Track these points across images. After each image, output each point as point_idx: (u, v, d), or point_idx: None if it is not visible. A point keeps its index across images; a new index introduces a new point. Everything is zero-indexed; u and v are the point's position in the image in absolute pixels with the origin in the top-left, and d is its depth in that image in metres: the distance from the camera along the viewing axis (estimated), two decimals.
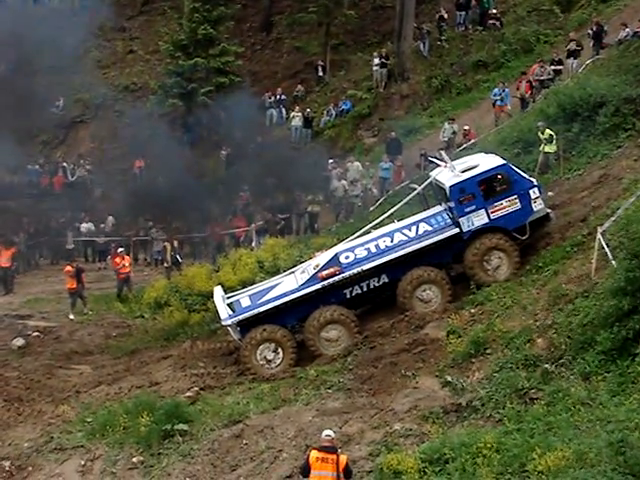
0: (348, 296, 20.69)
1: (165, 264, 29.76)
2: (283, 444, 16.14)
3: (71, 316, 26.17)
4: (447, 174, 20.85)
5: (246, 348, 20.10)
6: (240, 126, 38.61)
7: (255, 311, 20.38)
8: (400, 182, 29.62)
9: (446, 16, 38.44)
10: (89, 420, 18.34)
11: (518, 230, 20.40)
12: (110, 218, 33.29)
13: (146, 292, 26.97)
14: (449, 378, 16.82)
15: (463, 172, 20.58)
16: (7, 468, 16.99)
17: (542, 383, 15.43)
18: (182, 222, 32.26)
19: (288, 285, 20.93)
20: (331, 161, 32.58)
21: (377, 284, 20.69)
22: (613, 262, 16.58)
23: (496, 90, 31.02)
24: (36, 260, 32.89)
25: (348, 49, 42.37)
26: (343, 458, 13.52)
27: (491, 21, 36.97)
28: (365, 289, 20.72)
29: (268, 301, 20.54)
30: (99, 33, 46.19)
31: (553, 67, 30.31)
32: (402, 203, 22.15)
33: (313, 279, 20.46)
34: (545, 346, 16.34)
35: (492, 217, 20.26)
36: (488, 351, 17.14)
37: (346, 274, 20.37)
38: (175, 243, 30.22)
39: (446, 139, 30.82)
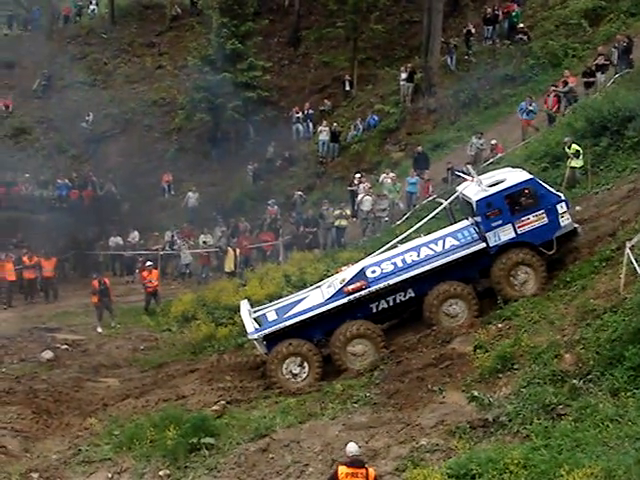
0: (374, 310, 20.60)
1: (227, 270, 29.95)
2: (309, 458, 16.09)
3: (99, 329, 26.36)
4: (474, 188, 20.74)
5: (272, 362, 20.08)
6: (268, 141, 38.99)
7: (281, 325, 20.35)
8: (427, 196, 29.58)
9: (473, 30, 38.54)
10: (116, 433, 18.38)
11: (545, 245, 20.25)
12: (135, 232, 33.54)
13: (173, 305, 27.11)
14: (476, 393, 16.68)
15: (490, 187, 20.45)
16: None
17: (570, 399, 15.28)
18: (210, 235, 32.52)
19: (314, 299, 20.87)
20: (358, 175, 32.62)
21: (403, 298, 20.57)
22: None
23: (523, 104, 30.84)
24: (65, 273, 33.14)
25: (375, 64, 42.55)
26: (372, 472, 13.44)
27: (519, 35, 36.90)
28: (391, 303, 20.60)
29: (294, 315, 20.51)
30: (128, 49, 46.95)
31: (585, 79, 30.09)
32: (429, 217, 22.08)
33: (339, 293, 20.40)
34: (573, 361, 16.19)
35: (519, 232, 20.10)
36: (515, 366, 17.00)
37: (372, 288, 20.29)
38: (237, 251, 30.39)
39: (473, 153, 30.73)
